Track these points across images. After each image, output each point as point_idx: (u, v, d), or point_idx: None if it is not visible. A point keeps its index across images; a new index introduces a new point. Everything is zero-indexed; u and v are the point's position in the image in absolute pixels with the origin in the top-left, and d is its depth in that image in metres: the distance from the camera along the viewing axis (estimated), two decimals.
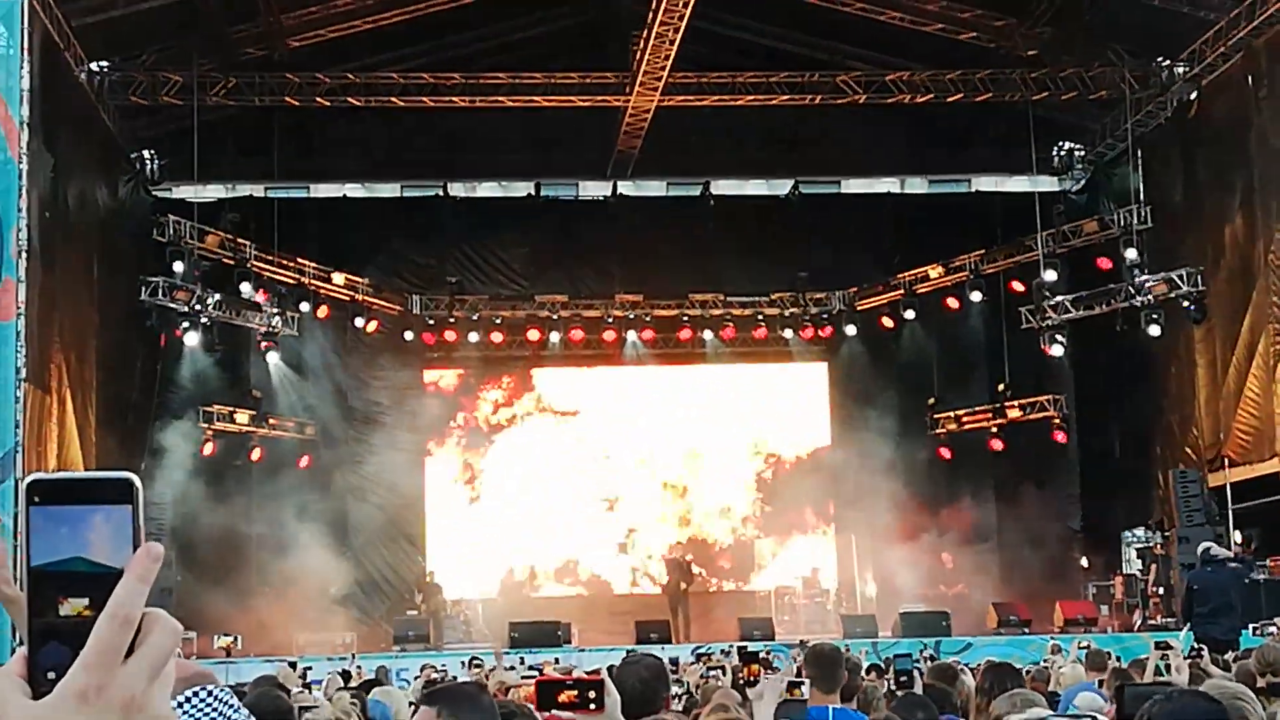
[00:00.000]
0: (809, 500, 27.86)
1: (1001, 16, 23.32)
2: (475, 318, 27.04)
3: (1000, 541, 26.02)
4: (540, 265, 27.38)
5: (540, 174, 26.04)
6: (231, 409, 24.55)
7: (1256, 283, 20.74)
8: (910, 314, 26.79)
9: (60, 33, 19.70)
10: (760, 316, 27.71)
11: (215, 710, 2.62)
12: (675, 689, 7.10)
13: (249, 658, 19.05)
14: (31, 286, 16.74)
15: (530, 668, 15.38)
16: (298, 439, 25.72)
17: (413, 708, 6.65)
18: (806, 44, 24.84)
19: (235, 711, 2.64)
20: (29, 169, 16.63)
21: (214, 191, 24.62)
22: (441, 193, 25.82)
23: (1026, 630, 21.58)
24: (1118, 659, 10.83)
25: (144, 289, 22.30)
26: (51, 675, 1.10)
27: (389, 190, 26.04)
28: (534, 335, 27.25)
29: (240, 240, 24.15)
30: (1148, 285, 22.50)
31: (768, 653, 16.22)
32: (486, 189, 26.42)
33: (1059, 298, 24.30)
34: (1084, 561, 25.68)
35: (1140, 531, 24.18)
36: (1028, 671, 9.75)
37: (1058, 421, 25.70)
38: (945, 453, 26.97)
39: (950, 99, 23.99)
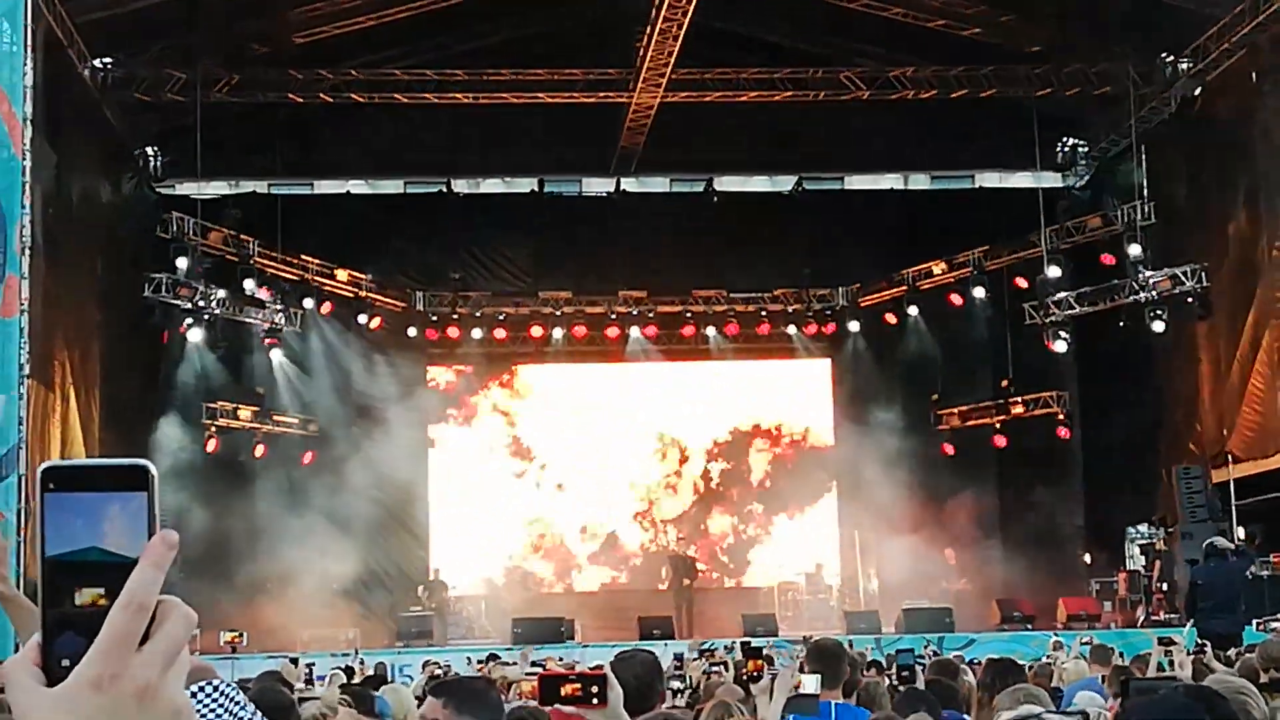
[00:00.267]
0: (812, 496, 27.86)
1: (1005, 12, 23.27)
2: (478, 314, 27.02)
3: (1003, 537, 25.96)
4: (543, 262, 27.32)
5: (544, 170, 26.06)
6: (235, 405, 24.55)
7: (1260, 278, 20.72)
8: (914, 310, 26.75)
9: (64, 29, 19.68)
10: (764, 313, 27.68)
11: (221, 706, 2.60)
12: (678, 684, 7.10)
13: (253, 654, 19.04)
14: (35, 283, 16.73)
15: (533, 663, 15.39)
16: (301, 435, 25.70)
17: (418, 701, 6.67)
18: (810, 40, 24.80)
19: (241, 708, 2.63)
20: (32, 166, 16.60)
21: (217, 188, 24.63)
22: (445, 189, 25.86)
23: (1029, 626, 21.55)
24: (1121, 655, 10.83)
25: (147, 285, 22.22)
26: (66, 664, 1.11)
27: (392, 187, 26.07)
28: (537, 331, 27.25)
29: (244, 237, 24.12)
30: (1151, 281, 22.43)
31: (770, 648, 16.22)
32: (490, 185, 26.46)
33: (1062, 294, 24.23)
34: (1087, 558, 25.62)
35: (1144, 528, 24.12)
36: (1030, 667, 9.74)
37: (1061, 418, 25.63)
38: (948, 449, 26.91)
39: (954, 95, 23.97)
